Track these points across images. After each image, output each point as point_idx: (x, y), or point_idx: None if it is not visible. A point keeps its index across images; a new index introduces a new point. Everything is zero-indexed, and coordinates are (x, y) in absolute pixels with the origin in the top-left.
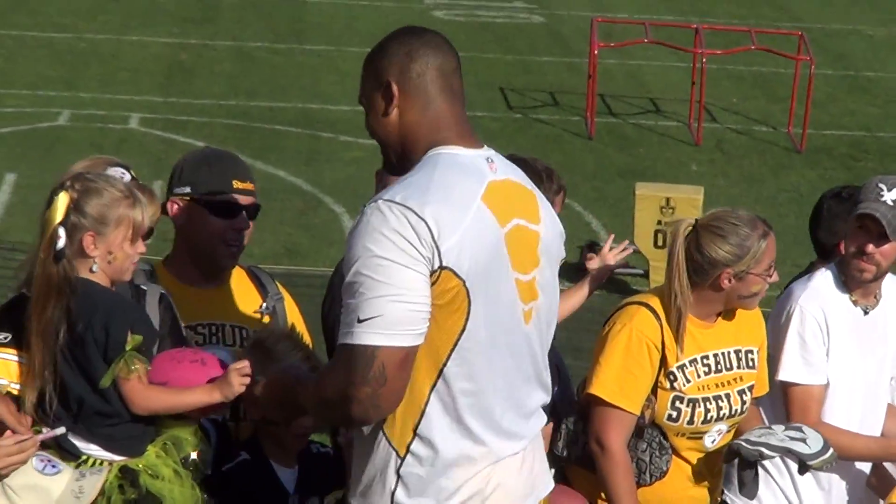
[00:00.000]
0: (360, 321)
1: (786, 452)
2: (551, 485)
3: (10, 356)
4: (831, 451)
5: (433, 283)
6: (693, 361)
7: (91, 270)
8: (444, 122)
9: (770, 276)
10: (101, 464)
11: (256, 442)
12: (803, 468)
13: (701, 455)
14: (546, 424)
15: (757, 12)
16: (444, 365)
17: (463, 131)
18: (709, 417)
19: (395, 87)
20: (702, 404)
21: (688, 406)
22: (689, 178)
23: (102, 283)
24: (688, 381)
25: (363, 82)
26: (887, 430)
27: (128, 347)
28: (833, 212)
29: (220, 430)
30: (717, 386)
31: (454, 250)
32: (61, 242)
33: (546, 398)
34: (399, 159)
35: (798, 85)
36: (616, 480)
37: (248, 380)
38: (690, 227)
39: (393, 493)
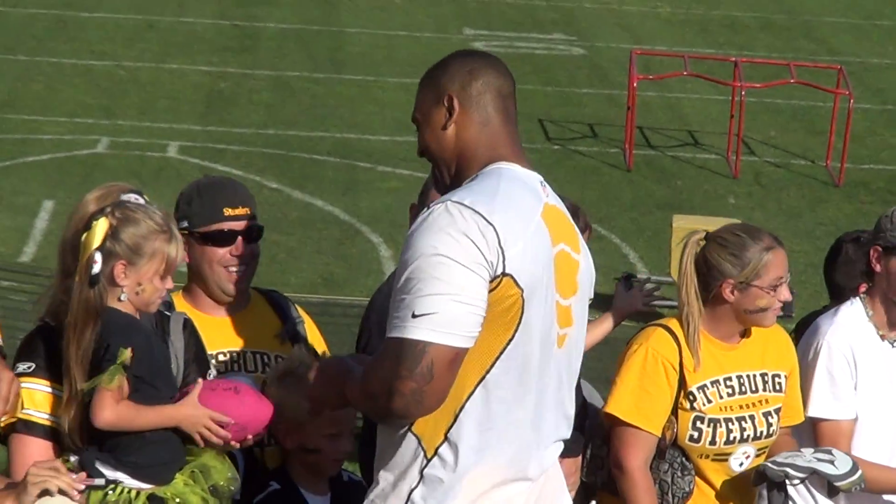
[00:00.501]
0: (414, 316)
1: (812, 473)
2: None
3: (35, 385)
4: (859, 473)
5: (493, 289)
6: (715, 382)
7: (119, 299)
8: (501, 141)
9: (776, 292)
10: (130, 492)
11: (285, 470)
12: (832, 491)
13: (728, 478)
14: (574, 457)
15: (795, 46)
16: (487, 373)
17: (519, 153)
18: (732, 438)
19: (456, 102)
20: (723, 424)
21: (709, 426)
22: (727, 211)
23: (129, 312)
24: (709, 401)
25: (420, 98)
26: None
27: (118, 361)
28: (852, 256)
29: (248, 457)
30: (740, 407)
31: (518, 258)
32: (97, 268)
33: (566, 429)
34: (452, 175)
35: (837, 119)
36: (636, 500)
37: (209, 424)
38: (701, 240)
39: (411, 492)
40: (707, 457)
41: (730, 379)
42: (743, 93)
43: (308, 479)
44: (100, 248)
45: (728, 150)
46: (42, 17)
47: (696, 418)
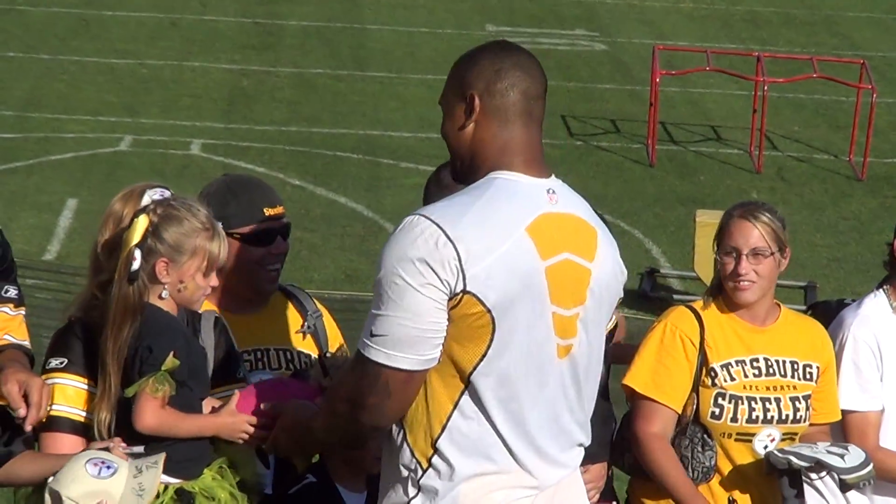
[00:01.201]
0: (372, 335)
1: (816, 463)
2: None
3: (67, 381)
4: (869, 468)
5: (454, 307)
6: (740, 362)
7: (160, 297)
8: (514, 147)
9: (731, 261)
10: (155, 463)
11: (323, 465)
12: (844, 486)
13: (754, 462)
14: (600, 462)
15: (818, 40)
16: (466, 387)
17: (531, 159)
18: (754, 417)
19: (477, 102)
20: (746, 402)
21: (730, 402)
22: None
23: (170, 310)
24: (732, 378)
25: (447, 85)
26: None
27: (163, 368)
28: None
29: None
30: (766, 388)
31: (480, 276)
32: (136, 264)
33: (580, 438)
34: (464, 170)
35: (859, 113)
36: (660, 467)
37: (248, 429)
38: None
39: (410, 500)
40: (730, 436)
41: (756, 360)
42: (766, 87)
43: (346, 476)
44: (139, 245)
45: (751, 144)
46: (64, 16)
47: (718, 395)
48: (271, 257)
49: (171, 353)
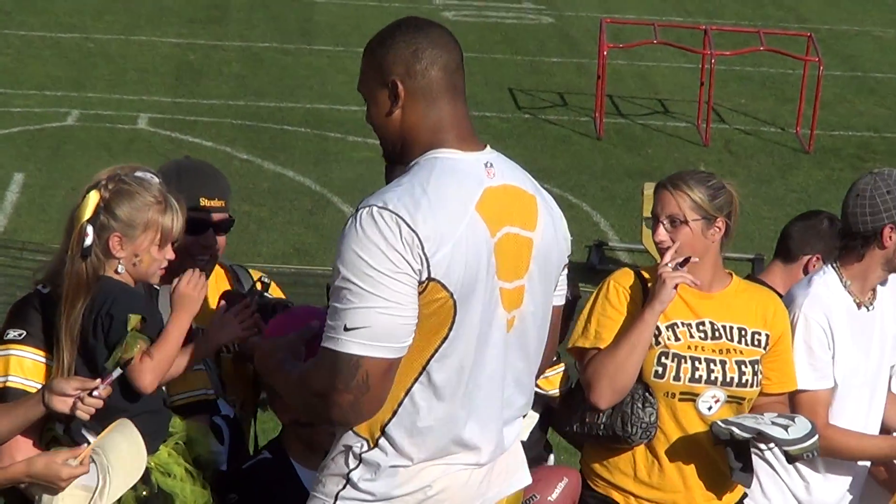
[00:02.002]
0: (346, 329)
1: (757, 434)
2: (522, 482)
3: (25, 353)
4: (813, 440)
5: (420, 293)
6: (686, 324)
7: (116, 271)
8: (445, 124)
9: (656, 227)
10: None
11: (279, 442)
12: (789, 457)
13: (700, 423)
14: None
15: (765, 13)
16: (422, 371)
17: (463, 133)
18: (697, 376)
19: (401, 87)
20: (689, 361)
21: (673, 361)
22: None
23: (126, 283)
24: (677, 339)
25: (364, 74)
26: (888, 419)
27: (129, 328)
28: (824, 228)
29: (234, 428)
30: (712, 351)
31: (443, 262)
32: (88, 240)
33: (525, 407)
34: (397, 153)
35: (806, 86)
36: (608, 373)
37: (231, 320)
38: None
39: (349, 472)
40: (674, 396)
41: (703, 324)
42: (713, 61)
43: (302, 453)
44: (91, 221)
45: (698, 117)
46: None
47: (661, 354)
48: (198, 248)
49: (137, 315)
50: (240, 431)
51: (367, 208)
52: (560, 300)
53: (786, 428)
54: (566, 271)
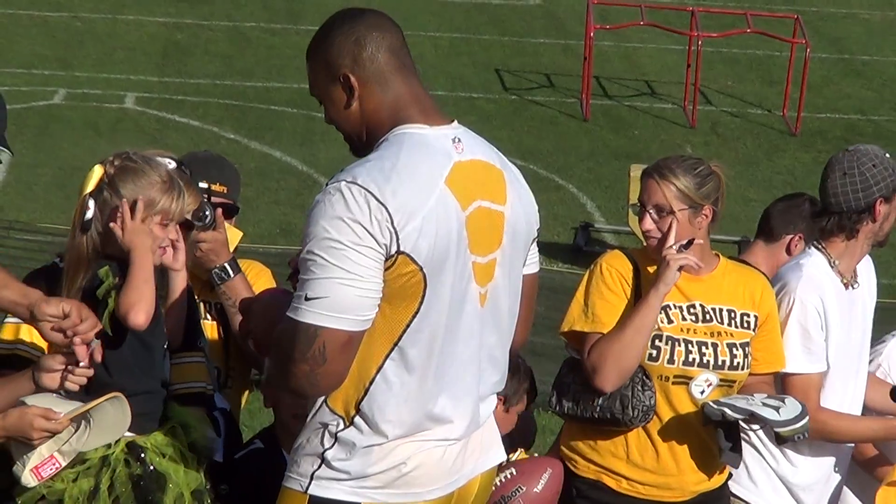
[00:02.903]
0: (307, 299)
1: (750, 415)
2: (497, 458)
3: None
4: (804, 421)
5: (388, 268)
6: (678, 306)
7: None
8: (404, 101)
9: (641, 212)
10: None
11: (271, 432)
12: (778, 439)
13: (692, 406)
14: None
15: None
16: (394, 347)
17: (425, 108)
18: (691, 359)
19: (353, 79)
20: (682, 344)
21: (667, 344)
22: None
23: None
24: (670, 321)
25: (312, 76)
26: (870, 399)
27: (105, 281)
28: (805, 209)
29: (229, 419)
30: (704, 333)
31: (413, 235)
32: (89, 213)
33: (500, 382)
34: (364, 145)
35: (793, 68)
36: (613, 356)
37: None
38: None
39: (324, 451)
40: (668, 379)
41: (693, 307)
42: (700, 42)
43: (288, 441)
44: (92, 195)
45: (685, 99)
46: None
47: (655, 336)
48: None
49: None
50: (235, 425)
51: (336, 183)
52: (532, 268)
53: (777, 409)
54: (536, 242)
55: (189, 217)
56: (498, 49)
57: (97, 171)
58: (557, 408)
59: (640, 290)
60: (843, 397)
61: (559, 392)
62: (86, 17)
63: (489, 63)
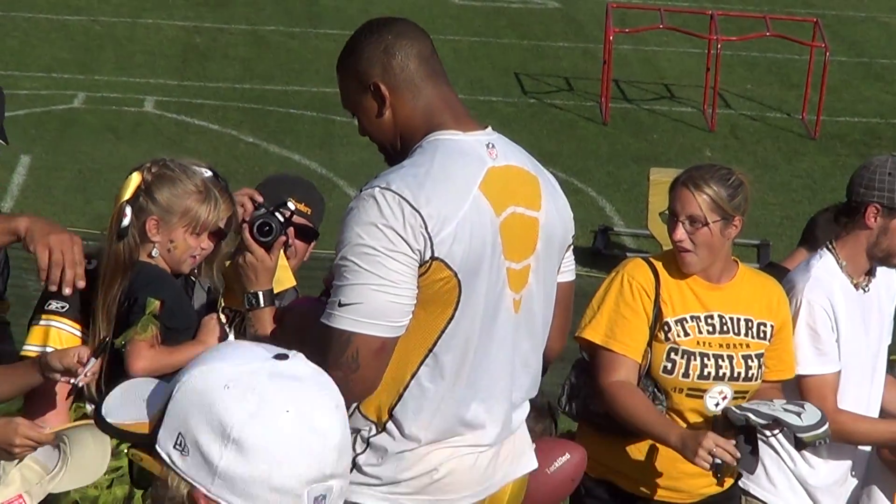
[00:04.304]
0: (340, 305)
1: (773, 421)
2: (529, 466)
3: (64, 326)
4: (825, 427)
5: (423, 274)
6: (695, 318)
7: (151, 255)
8: (436, 108)
9: (671, 223)
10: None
11: None
12: (799, 444)
13: (704, 419)
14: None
15: None
16: (429, 353)
17: (458, 114)
18: (706, 373)
19: (383, 88)
20: (698, 358)
21: (682, 357)
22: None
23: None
24: (686, 334)
25: (344, 89)
26: (886, 402)
27: (147, 311)
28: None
29: None
30: (720, 346)
31: (447, 241)
32: (126, 220)
33: (532, 389)
34: (399, 153)
35: (812, 72)
36: (629, 409)
37: (217, 325)
38: None
39: (356, 457)
40: (681, 391)
41: (711, 317)
42: (719, 46)
43: None
44: (130, 202)
45: (704, 103)
46: None
47: (671, 349)
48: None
49: (157, 300)
50: None
51: (370, 189)
52: (568, 276)
53: (798, 415)
54: (572, 249)
55: (256, 233)
56: (517, 53)
57: (135, 179)
58: (567, 408)
59: (660, 302)
60: (858, 401)
61: (570, 394)
62: (105, 21)
63: (508, 67)
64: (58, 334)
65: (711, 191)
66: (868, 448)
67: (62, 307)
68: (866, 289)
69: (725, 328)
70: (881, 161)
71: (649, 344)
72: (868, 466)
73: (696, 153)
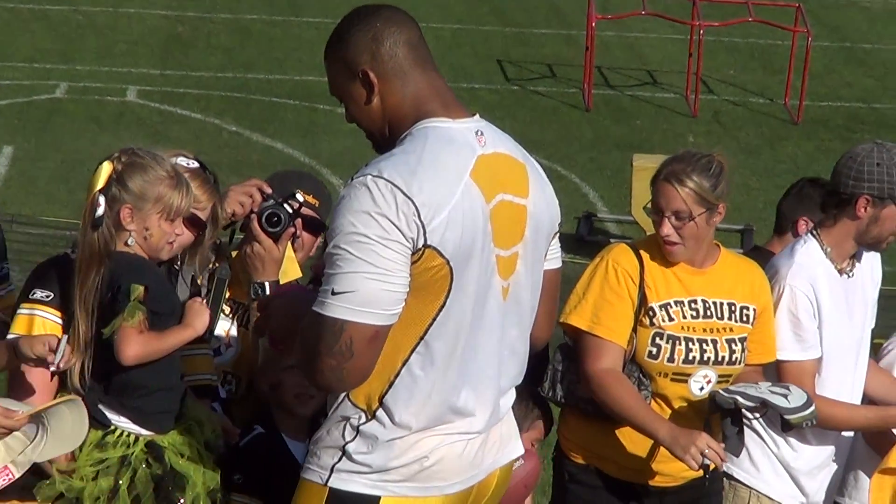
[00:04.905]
0: (333, 293)
1: (761, 403)
2: (515, 452)
3: (49, 315)
4: (812, 409)
5: (416, 262)
6: (679, 303)
7: (127, 244)
8: (425, 95)
9: (655, 216)
10: (129, 436)
11: (269, 416)
12: (786, 426)
13: (688, 403)
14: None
15: None
16: (420, 340)
17: (446, 101)
18: (691, 357)
19: (372, 75)
20: (683, 342)
21: (668, 342)
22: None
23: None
24: (670, 319)
25: (332, 76)
26: (870, 387)
27: (131, 297)
28: (806, 191)
29: (225, 408)
30: (704, 330)
31: (440, 229)
32: (100, 210)
33: (518, 376)
34: (387, 141)
35: (795, 57)
36: (615, 398)
37: (204, 310)
38: None
39: (346, 444)
40: (666, 375)
41: (695, 302)
42: (701, 32)
43: (286, 423)
44: (103, 192)
45: (687, 88)
46: None
47: (656, 334)
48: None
49: (141, 286)
50: (230, 411)
51: (362, 177)
52: (555, 263)
53: (785, 397)
54: (558, 237)
55: (265, 223)
56: (499, 39)
57: (106, 168)
58: (550, 394)
59: (645, 287)
60: (842, 385)
61: (553, 379)
62: (87, 11)
63: (491, 54)
64: (42, 323)
65: (694, 184)
66: (851, 433)
67: (46, 296)
68: (850, 274)
69: (709, 313)
70: (867, 151)
71: (634, 329)
72: (853, 450)
73: (679, 139)
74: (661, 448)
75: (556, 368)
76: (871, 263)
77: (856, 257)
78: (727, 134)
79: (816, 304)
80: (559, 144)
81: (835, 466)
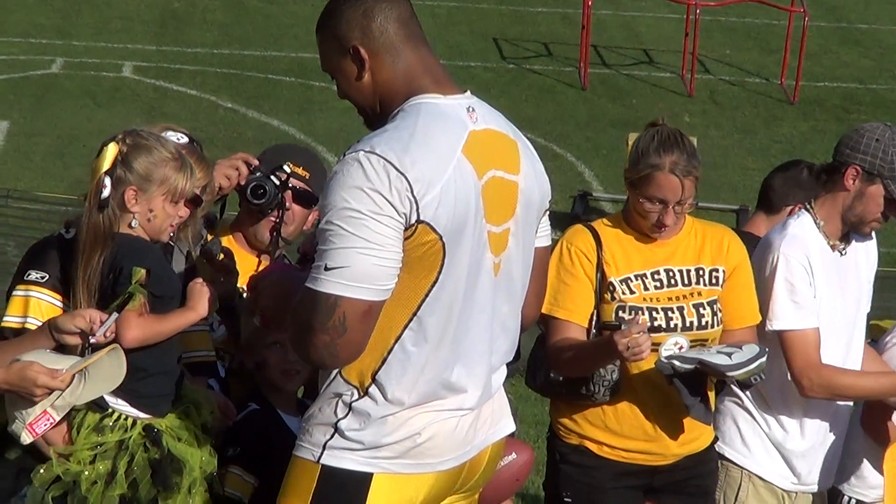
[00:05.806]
0: (326, 269)
1: (698, 363)
2: (506, 429)
3: (45, 296)
4: (757, 364)
5: (409, 237)
6: (640, 276)
7: (130, 226)
8: (416, 71)
9: (652, 206)
10: (126, 419)
11: (261, 392)
12: (741, 385)
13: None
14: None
15: None
16: (413, 316)
17: (438, 77)
18: (657, 325)
19: (363, 51)
20: (646, 312)
21: (630, 314)
22: (682, 129)
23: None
24: (632, 292)
25: (324, 52)
26: (866, 370)
27: (133, 280)
28: (803, 178)
29: (222, 387)
30: (668, 299)
31: (432, 205)
32: (106, 191)
33: (509, 352)
34: (378, 116)
35: (791, 37)
36: (564, 351)
37: (206, 291)
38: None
39: (338, 422)
40: None
41: (658, 273)
42: (698, 11)
43: (277, 398)
44: (108, 173)
45: (683, 68)
46: None
47: (618, 308)
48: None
49: (142, 269)
50: (227, 390)
51: (355, 153)
52: (544, 241)
53: (729, 355)
54: (548, 215)
55: (250, 196)
56: (496, 18)
57: (112, 149)
58: (531, 382)
59: (603, 264)
60: (836, 360)
61: (532, 367)
62: None
63: (487, 32)
64: (38, 304)
65: (696, 169)
66: (846, 414)
67: (42, 277)
68: (843, 252)
69: (673, 281)
70: (873, 127)
71: (598, 306)
72: (850, 437)
73: (675, 118)
74: (651, 428)
75: (534, 356)
76: (867, 247)
77: (849, 237)
78: (723, 114)
79: (811, 272)
80: (555, 123)
81: (828, 449)
